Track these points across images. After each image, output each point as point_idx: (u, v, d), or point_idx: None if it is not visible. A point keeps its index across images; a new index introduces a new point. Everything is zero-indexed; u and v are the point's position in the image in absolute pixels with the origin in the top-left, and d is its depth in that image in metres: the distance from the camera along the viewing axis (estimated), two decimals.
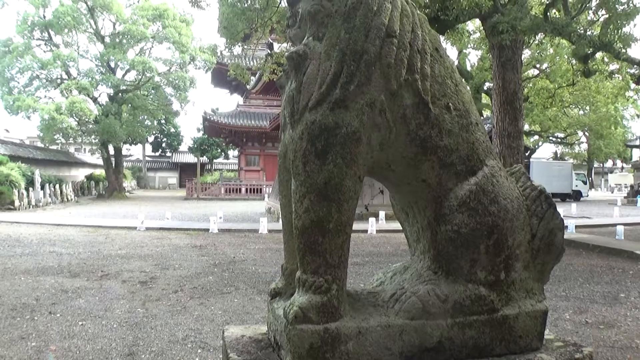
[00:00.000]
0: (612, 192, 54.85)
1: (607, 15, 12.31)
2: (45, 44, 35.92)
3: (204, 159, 58.64)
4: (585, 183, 40.07)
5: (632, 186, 40.32)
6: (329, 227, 2.42)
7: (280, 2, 16.55)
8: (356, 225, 18.31)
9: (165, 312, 6.67)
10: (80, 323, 6.14)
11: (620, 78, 19.84)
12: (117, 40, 35.65)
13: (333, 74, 2.38)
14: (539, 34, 15.24)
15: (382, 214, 18.46)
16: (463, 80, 4.12)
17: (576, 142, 50.16)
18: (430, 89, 2.54)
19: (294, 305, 2.46)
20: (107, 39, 36.34)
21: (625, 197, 37.22)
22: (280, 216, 14.37)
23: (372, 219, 16.54)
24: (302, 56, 2.45)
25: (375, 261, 10.89)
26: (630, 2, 11.57)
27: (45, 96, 35.81)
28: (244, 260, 11.09)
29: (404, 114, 2.50)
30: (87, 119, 33.90)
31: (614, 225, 16.10)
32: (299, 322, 2.43)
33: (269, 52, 18.75)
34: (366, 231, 15.96)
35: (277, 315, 2.68)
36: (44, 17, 34.24)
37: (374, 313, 2.65)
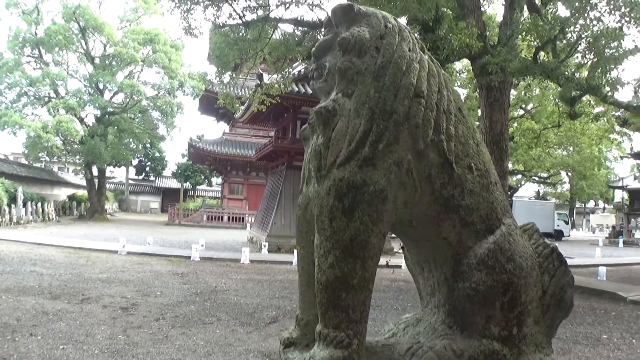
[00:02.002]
0: (594, 233, 55.45)
1: (595, 59, 12.51)
2: (35, 61, 35.75)
3: (187, 185, 58.35)
4: (567, 223, 40.49)
5: (613, 227, 40.91)
6: (353, 283, 2.43)
7: (272, 34, 16.73)
8: None
9: (147, 340, 6.55)
10: (61, 347, 6.02)
11: (606, 120, 20.21)
12: (107, 62, 35.56)
13: (362, 132, 2.41)
14: (528, 76, 15.50)
15: None
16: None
17: (559, 182, 50.85)
18: (454, 149, 2.59)
19: (315, 359, 2.46)
20: (97, 60, 36.25)
21: (606, 238, 37.72)
22: (261, 246, 14.30)
23: None
24: (331, 112, 2.49)
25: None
26: (619, 46, 11.78)
27: (32, 113, 35.54)
28: (226, 290, 10.97)
29: (430, 174, 2.54)
30: (72, 139, 33.58)
31: (596, 265, 16.18)
32: None
33: (259, 82, 18.84)
34: None
35: None
36: (36, 34, 34.16)
37: None
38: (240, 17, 15.31)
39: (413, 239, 2.92)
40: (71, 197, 42.86)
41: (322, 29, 2.80)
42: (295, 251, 16.13)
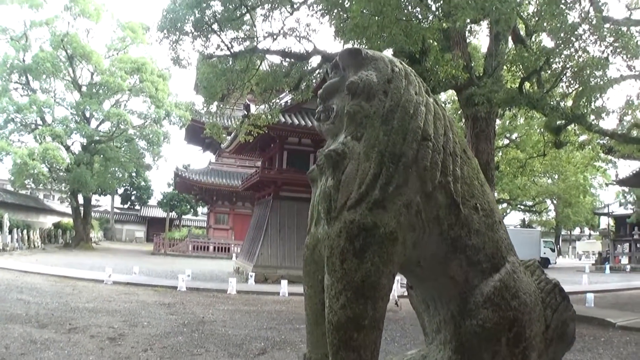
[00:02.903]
0: (580, 260, 55.78)
1: (580, 88, 12.69)
2: (22, 88, 35.76)
3: (173, 214, 57.94)
4: (553, 250, 40.73)
5: (600, 253, 41.23)
6: (364, 323, 2.46)
7: (259, 65, 16.86)
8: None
9: None
10: None
11: (591, 148, 20.46)
12: (94, 90, 35.54)
13: (372, 174, 2.46)
14: (514, 107, 15.67)
15: None
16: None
17: (544, 210, 51.22)
18: (461, 190, 2.65)
19: None
20: (84, 88, 36.26)
21: (593, 264, 37.95)
22: (248, 277, 14.18)
23: None
24: (340, 155, 2.53)
25: None
26: (604, 75, 11.93)
27: (19, 140, 35.36)
28: (214, 321, 10.86)
29: (438, 215, 2.60)
30: (58, 167, 33.42)
31: (584, 292, 16.25)
32: None
33: (246, 113, 18.92)
34: None
35: None
36: (24, 61, 34.23)
37: None
38: (228, 48, 15.43)
39: (420, 278, 2.97)
40: (57, 225, 42.53)
41: (329, 72, 2.86)
42: (282, 282, 16.18)
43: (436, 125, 2.64)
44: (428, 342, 3.23)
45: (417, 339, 8.67)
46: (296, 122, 20.60)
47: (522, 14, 14.14)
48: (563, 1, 11.17)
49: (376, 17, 10.96)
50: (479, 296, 2.76)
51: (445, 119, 2.73)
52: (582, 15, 11.82)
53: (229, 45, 15.46)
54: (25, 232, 31.16)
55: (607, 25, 11.71)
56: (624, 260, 36.17)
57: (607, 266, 33.43)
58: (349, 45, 14.65)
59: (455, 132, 2.79)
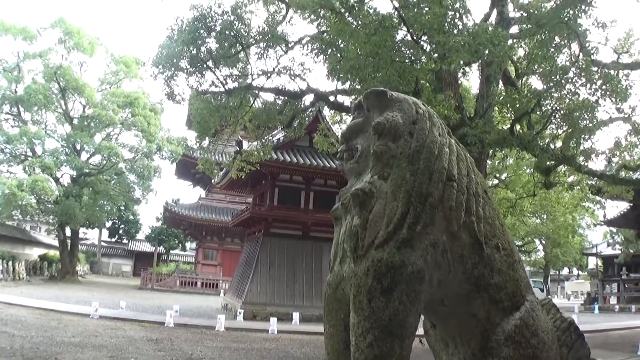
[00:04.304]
0: (569, 300, 55.61)
1: (570, 130, 12.86)
2: (13, 119, 35.55)
3: (161, 248, 57.26)
4: (542, 290, 40.52)
5: (588, 293, 41.23)
6: None
7: (253, 103, 16.98)
8: (314, 328, 17.75)
9: None
10: None
11: (580, 189, 20.57)
12: (86, 123, 35.41)
13: (400, 214, 2.51)
14: (505, 147, 15.81)
15: None
16: None
17: (533, 250, 51.27)
18: (483, 230, 2.70)
19: None
20: (76, 121, 36.13)
21: (582, 304, 37.89)
22: (237, 313, 13.96)
23: None
24: (368, 194, 2.58)
25: None
26: (593, 118, 12.12)
27: (7, 171, 35.01)
28: (202, 358, 10.62)
29: (462, 254, 2.64)
30: (47, 199, 33.04)
31: None
32: None
33: (239, 149, 18.97)
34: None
35: None
36: (16, 92, 34.10)
37: None
38: (222, 85, 15.52)
39: (442, 317, 2.99)
40: (42, 257, 41.83)
41: (352, 112, 2.92)
42: (271, 319, 15.98)
43: (459, 166, 2.71)
44: None
45: None
46: (288, 159, 20.66)
47: (512, 57, 14.43)
48: (554, 45, 11.45)
49: (371, 59, 11.15)
50: (500, 334, 2.79)
51: (467, 160, 2.80)
52: (573, 59, 12.11)
53: (224, 82, 15.55)
54: (10, 263, 30.65)
55: (595, 68, 11.98)
56: (613, 300, 36.21)
57: (596, 306, 33.41)
58: (342, 85, 14.91)
59: (477, 173, 2.85)
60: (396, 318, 2.45)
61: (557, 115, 13.13)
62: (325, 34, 14.48)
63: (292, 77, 16.02)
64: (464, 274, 2.70)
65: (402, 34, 12.51)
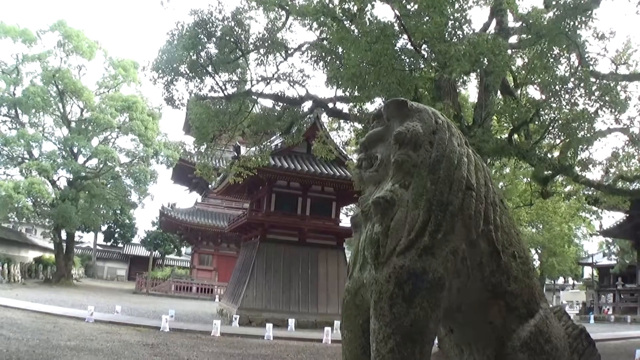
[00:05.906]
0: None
1: (567, 140, 12.91)
2: (11, 122, 35.49)
3: (156, 253, 57.06)
4: None
5: (584, 303, 41.24)
6: None
7: (252, 108, 17.00)
8: (310, 334, 17.66)
9: None
10: None
11: (576, 199, 20.63)
12: (83, 126, 35.38)
13: (422, 222, 2.56)
14: (503, 157, 15.83)
15: (337, 323, 17.88)
16: None
17: None
18: (501, 238, 2.76)
19: None
20: (73, 124, 36.06)
21: (577, 314, 37.94)
22: (232, 319, 13.95)
23: (327, 328, 16.12)
24: (389, 202, 2.63)
25: None
26: (591, 128, 12.13)
27: (4, 173, 34.91)
28: None
29: (480, 262, 2.70)
30: (43, 201, 32.95)
31: None
32: None
33: (236, 154, 18.98)
34: (321, 340, 15.66)
35: None
36: (14, 94, 34.09)
37: None
38: (222, 90, 15.55)
39: (459, 323, 3.04)
40: (38, 260, 41.68)
41: (371, 121, 2.98)
42: (267, 325, 15.95)
43: (477, 175, 2.77)
44: None
45: None
46: (286, 165, 20.70)
47: (511, 66, 14.51)
48: (553, 55, 11.52)
49: (373, 67, 11.21)
50: (516, 341, 2.85)
51: (484, 169, 2.86)
52: (571, 69, 12.18)
53: (223, 87, 15.60)
54: (5, 266, 30.55)
55: (594, 79, 12.06)
56: (609, 310, 36.28)
57: (592, 316, 33.46)
58: (341, 92, 14.98)
59: (493, 182, 2.91)
60: (417, 324, 2.50)
61: (555, 125, 13.17)
62: (325, 41, 14.57)
63: (292, 84, 16.08)
64: (482, 281, 2.76)
65: (401, 42, 12.60)
